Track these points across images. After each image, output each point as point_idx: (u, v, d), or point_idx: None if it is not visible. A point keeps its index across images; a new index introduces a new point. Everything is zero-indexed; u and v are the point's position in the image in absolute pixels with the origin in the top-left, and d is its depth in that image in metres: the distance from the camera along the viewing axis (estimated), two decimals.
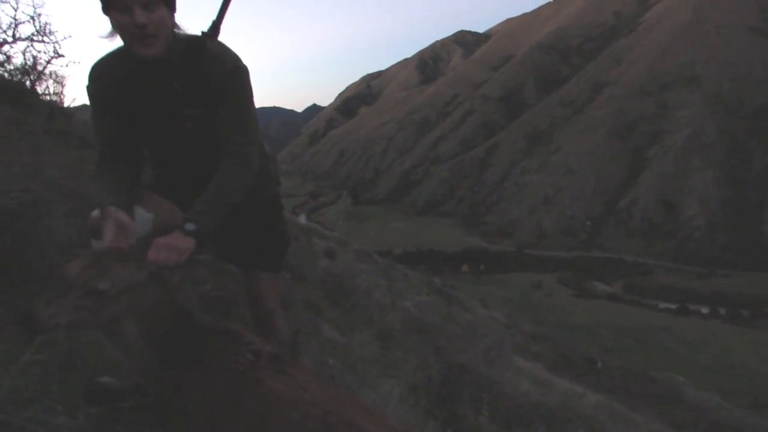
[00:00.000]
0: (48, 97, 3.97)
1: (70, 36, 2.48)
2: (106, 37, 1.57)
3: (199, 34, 1.67)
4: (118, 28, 1.53)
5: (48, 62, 2.51)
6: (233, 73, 1.71)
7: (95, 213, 1.68)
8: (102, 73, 1.68)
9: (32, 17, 2.46)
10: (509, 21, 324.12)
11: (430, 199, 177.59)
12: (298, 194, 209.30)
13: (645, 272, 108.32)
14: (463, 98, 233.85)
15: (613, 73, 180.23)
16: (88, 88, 1.70)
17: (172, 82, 1.67)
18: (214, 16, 1.68)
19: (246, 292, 2.10)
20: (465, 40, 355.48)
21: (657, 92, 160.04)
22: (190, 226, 1.56)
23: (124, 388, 1.51)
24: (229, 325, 1.44)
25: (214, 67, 1.68)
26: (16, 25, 2.45)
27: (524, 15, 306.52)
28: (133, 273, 1.34)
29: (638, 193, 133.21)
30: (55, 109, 4.81)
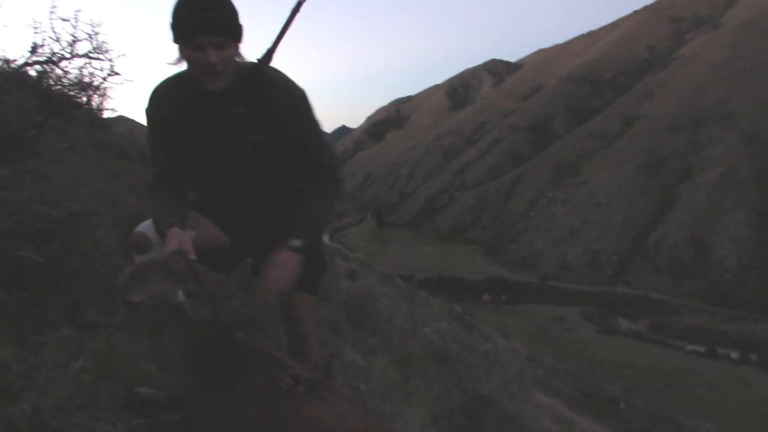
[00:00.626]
0: (90, 109, 4.12)
1: (124, 54, 2.60)
2: (173, 63, 1.66)
3: (255, 61, 1.74)
4: (187, 61, 1.61)
5: (104, 79, 2.62)
6: (301, 100, 1.79)
7: (140, 229, 1.74)
8: (163, 97, 1.74)
9: (90, 35, 2.58)
10: (541, 52, 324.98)
11: (454, 226, 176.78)
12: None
13: (672, 312, 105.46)
14: (492, 126, 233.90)
15: (646, 107, 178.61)
16: (148, 110, 1.76)
17: (233, 108, 1.73)
18: (268, 44, 1.74)
19: (282, 312, 2.13)
20: (495, 69, 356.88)
21: (690, 128, 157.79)
22: (296, 243, 1.72)
23: (160, 400, 1.54)
24: (268, 347, 1.46)
25: (276, 93, 1.75)
26: (75, 42, 2.57)
27: (556, 46, 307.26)
28: (170, 289, 1.37)
29: (667, 230, 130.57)
30: (95, 120, 4.98)
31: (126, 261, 2.39)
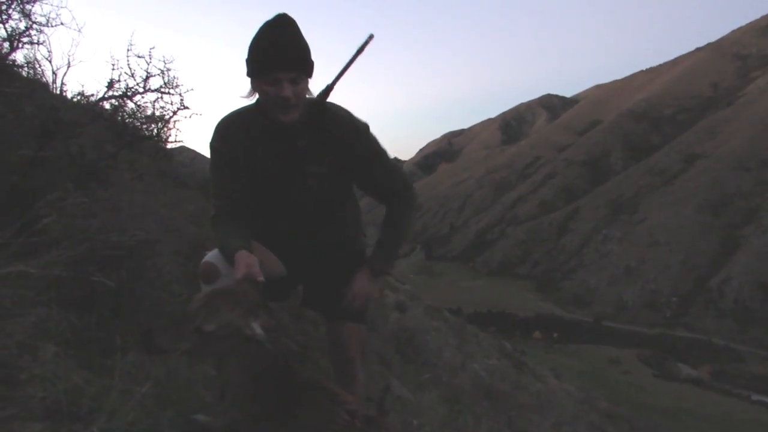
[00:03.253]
0: (157, 140, 4.31)
1: (192, 89, 2.74)
2: (246, 96, 1.75)
3: (315, 95, 1.80)
4: (261, 94, 1.70)
5: (174, 113, 2.76)
6: (364, 130, 1.86)
7: (209, 259, 1.80)
8: (229, 131, 1.82)
9: (162, 71, 2.73)
10: (598, 87, 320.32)
11: (505, 260, 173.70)
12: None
13: (737, 359, 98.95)
14: (546, 161, 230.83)
15: (708, 145, 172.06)
16: (213, 144, 1.83)
17: (297, 141, 1.80)
18: (329, 80, 1.79)
19: (329, 340, 2.14)
20: (551, 104, 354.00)
21: (756, 168, 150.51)
22: (378, 265, 1.95)
23: (217, 428, 1.56)
24: (325, 380, 1.46)
25: (340, 125, 1.82)
26: (148, 78, 2.72)
27: (615, 82, 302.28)
28: (242, 319, 1.39)
29: (732, 272, 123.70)
30: (160, 150, 5.22)
31: (188, 289, 2.46)
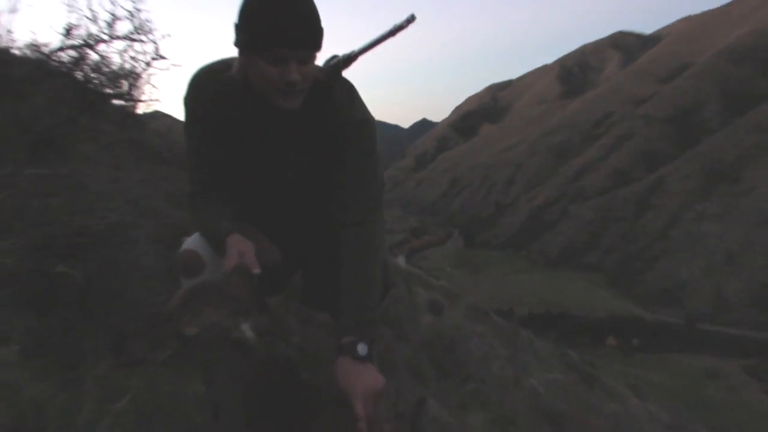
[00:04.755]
0: (122, 102, 4.35)
1: (169, 35, 2.75)
2: (233, 73, 1.72)
3: (326, 68, 1.78)
4: (257, 74, 1.65)
5: (148, 65, 2.79)
6: (361, 127, 1.83)
7: (189, 246, 1.83)
8: (207, 87, 1.81)
9: (131, 13, 2.76)
10: (686, 20, 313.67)
11: (568, 247, 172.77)
12: (397, 230, 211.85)
13: None
14: (619, 118, 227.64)
15: None
16: (187, 100, 1.83)
17: (286, 123, 1.80)
18: (351, 49, 1.79)
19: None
20: (624, 44, 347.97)
21: None
22: (363, 349, 1.61)
23: None
24: (339, 391, 1.48)
25: (337, 116, 1.81)
26: (114, 22, 2.76)
27: (707, 13, 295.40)
28: (230, 319, 1.41)
29: None
30: (129, 115, 5.29)
31: (169, 284, 2.52)
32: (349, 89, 1.86)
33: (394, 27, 1.75)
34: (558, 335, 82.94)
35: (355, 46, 1.78)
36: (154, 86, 2.98)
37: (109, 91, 2.79)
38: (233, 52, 1.72)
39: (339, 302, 1.74)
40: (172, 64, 2.84)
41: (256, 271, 1.59)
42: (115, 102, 4.62)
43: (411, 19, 1.76)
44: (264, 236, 1.95)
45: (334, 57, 1.83)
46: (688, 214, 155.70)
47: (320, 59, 1.74)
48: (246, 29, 1.60)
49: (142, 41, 2.76)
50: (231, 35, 1.65)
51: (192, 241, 1.89)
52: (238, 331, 1.40)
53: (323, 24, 1.65)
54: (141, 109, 4.81)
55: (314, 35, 1.62)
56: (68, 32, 2.75)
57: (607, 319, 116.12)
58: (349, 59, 1.79)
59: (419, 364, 5.29)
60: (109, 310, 2.00)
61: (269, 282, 2.01)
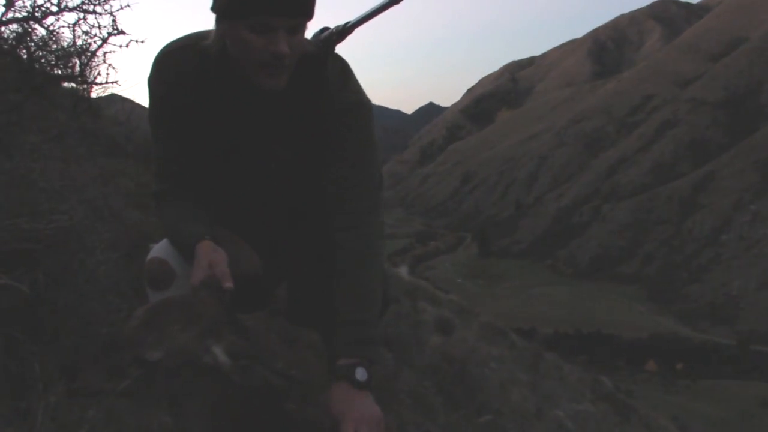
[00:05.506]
0: (73, 85, 4.34)
1: (128, 5, 2.76)
2: (210, 42, 1.72)
3: (315, 41, 1.80)
4: (238, 44, 1.65)
5: (104, 41, 2.79)
6: (356, 111, 1.85)
7: (155, 254, 1.84)
8: (176, 65, 1.81)
9: None
10: None
11: (600, 255, 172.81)
12: (399, 236, 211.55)
13: None
14: (661, 102, 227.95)
15: None
16: (152, 82, 1.84)
17: (268, 106, 1.81)
18: (345, 20, 1.80)
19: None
20: (667, 14, 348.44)
21: None
22: (362, 374, 1.63)
23: None
24: (330, 422, 1.50)
25: (328, 98, 1.81)
26: None
27: None
28: (198, 340, 1.42)
29: None
30: (81, 100, 5.29)
31: (131, 298, 2.53)
32: (343, 67, 1.87)
33: None
34: (589, 358, 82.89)
35: (350, 17, 1.79)
36: (111, 66, 2.99)
37: (58, 72, 2.80)
38: (207, 24, 1.73)
39: (332, 318, 1.74)
40: (133, 40, 2.84)
41: (228, 285, 1.60)
42: (66, 85, 4.62)
43: None
44: (242, 242, 1.96)
45: (326, 29, 1.84)
46: (743, 216, 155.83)
47: (309, 32, 1.75)
48: None
49: (96, 13, 2.76)
50: None
51: (160, 248, 1.90)
52: (209, 355, 1.41)
53: None
54: (96, 92, 4.82)
55: (307, 1, 1.62)
56: (10, 3, 2.76)
57: (647, 339, 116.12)
58: (344, 32, 1.80)
59: (425, 393, 5.30)
60: (61, 328, 2.01)
61: (248, 296, 2.02)
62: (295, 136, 1.86)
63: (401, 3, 1.74)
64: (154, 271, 1.83)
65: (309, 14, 1.65)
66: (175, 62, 1.82)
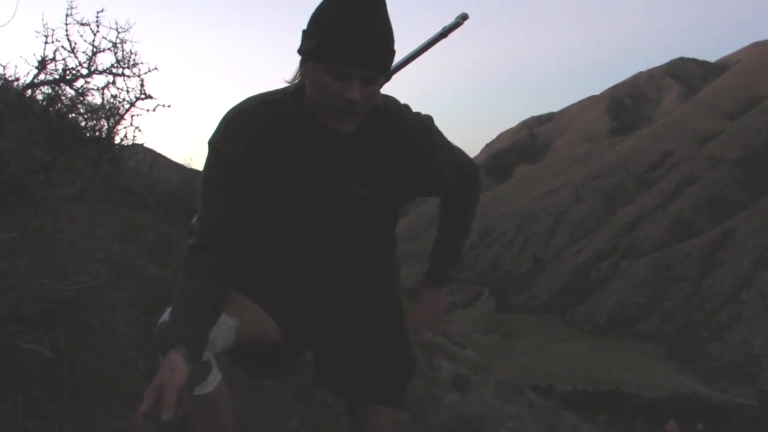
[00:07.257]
0: (107, 142, 4.40)
1: (156, 68, 2.81)
2: (291, 81, 1.82)
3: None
4: (316, 84, 1.70)
5: (132, 104, 2.85)
6: (433, 130, 1.94)
7: (165, 319, 1.81)
8: (244, 129, 1.82)
9: (114, 44, 2.84)
10: (757, 46, 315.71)
11: (619, 312, 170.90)
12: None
13: None
14: (680, 159, 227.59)
15: None
16: (216, 143, 1.83)
17: (342, 151, 1.83)
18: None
19: None
20: (685, 73, 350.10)
21: None
22: (440, 274, 2.28)
23: None
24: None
25: (398, 129, 1.86)
26: (95, 54, 2.83)
27: None
28: None
29: None
30: (104, 150, 5.38)
31: (146, 355, 2.54)
32: (396, 100, 1.92)
33: (444, 30, 1.81)
34: (607, 418, 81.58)
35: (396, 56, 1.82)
36: (138, 129, 3.04)
37: (86, 133, 2.86)
38: (231, 89, 1.76)
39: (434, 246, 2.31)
40: (160, 104, 2.89)
41: (166, 417, 1.50)
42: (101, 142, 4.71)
43: (463, 19, 1.81)
44: (260, 311, 1.96)
45: None
46: (763, 274, 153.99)
47: None
48: (315, 36, 1.67)
49: (125, 76, 2.83)
50: (297, 40, 1.75)
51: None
52: None
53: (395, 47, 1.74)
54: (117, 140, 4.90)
55: (386, 57, 1.70)
56: (42, 65, 2.82)
57: (667, 398, 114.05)
58: (391, 72, 1.86)
59: None
60: (78, 387, 2.02)
61: (270, 361, 2.02)
62: (369, 174, 1.88)
63: (449, 36, 1.83)
64: (162, 336, 1.82)
65: (383, 68, 1.71)
66: (247, 121, 1.84)
